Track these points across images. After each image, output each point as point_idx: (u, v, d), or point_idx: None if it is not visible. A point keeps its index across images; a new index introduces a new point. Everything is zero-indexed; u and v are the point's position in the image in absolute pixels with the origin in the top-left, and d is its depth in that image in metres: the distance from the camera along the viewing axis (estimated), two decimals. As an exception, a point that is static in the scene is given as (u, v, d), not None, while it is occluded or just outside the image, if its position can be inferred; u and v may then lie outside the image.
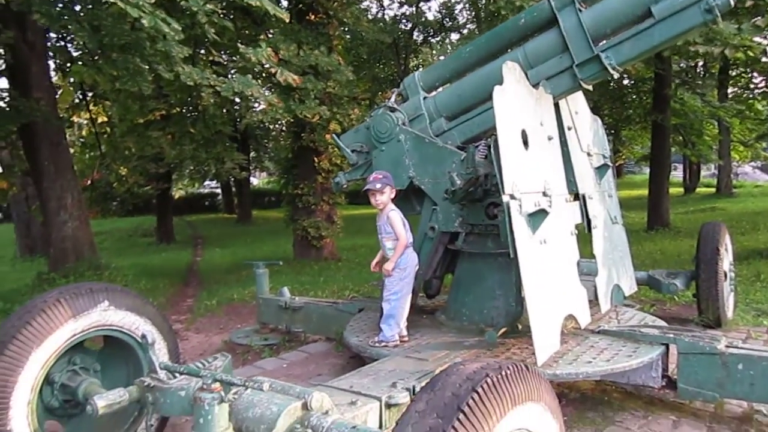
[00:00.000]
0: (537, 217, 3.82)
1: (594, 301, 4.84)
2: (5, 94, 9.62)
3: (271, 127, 24.48)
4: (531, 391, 2.13)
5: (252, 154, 29.95)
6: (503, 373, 2.02)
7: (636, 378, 4.31)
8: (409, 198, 5.20)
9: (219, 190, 37.48)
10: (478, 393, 1.89)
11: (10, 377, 3.07)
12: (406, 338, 4.54)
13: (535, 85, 4.40)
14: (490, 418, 1.89)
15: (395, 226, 4.45)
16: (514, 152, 3.82)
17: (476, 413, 1.86)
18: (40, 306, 3.24)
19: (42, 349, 3.19)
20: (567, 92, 4.73)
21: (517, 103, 3.99)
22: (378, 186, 4.46)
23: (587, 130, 5.41)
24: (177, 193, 17.49)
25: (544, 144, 4.30)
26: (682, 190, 31.77)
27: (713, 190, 30.02)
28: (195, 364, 3.32)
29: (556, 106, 4.73)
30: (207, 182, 32.62)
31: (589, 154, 5.26)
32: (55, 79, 11.72)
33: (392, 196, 4.59)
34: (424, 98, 5.12)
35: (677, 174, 34.56)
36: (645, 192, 17.91)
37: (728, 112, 17.30)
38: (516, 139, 3.87)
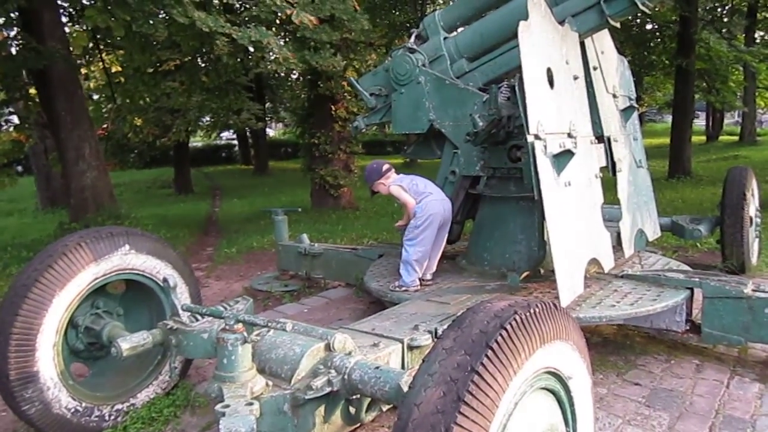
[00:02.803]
0: (562, 158, 3.72)
1: (617, 247, 4.77)
2: (18, 41, 9.51)
3: (287, 77, 24.19)
4: (559, 330, 2.09)
5: (267, 104, 29.70)
6: (531, 310, 1.97)
7: (659, 322, 4.27)
8: (429, 142, 5.12)
9: (236, 142, 37.40)
10: (506, 330, 1.85)
11: (35, 320, 3.09)
12: (430, 283, 4.53)
13: (561, 23, 4.24)
14: (518, 356, 1.86)
15: (400, 198, 4.61)
16: (540, 91, 3.70)
17: (504, 350, 1.82)
18: (61, 250, 3.24)
19: (65, 293, 3.21)
20: (593, 30, 4.55)
21: (543, 40, 3.84)
22: (368, 185, 4.79)
23: (613, 70, 5.24)
24: (175, 137, 17.19)
25: (569, 84, 4.16)
26: (704, 138, 31.19)
27: (736, 138, 29.45)
28: (217, 307, 3.32)
29: (582, 45, 4.56)
30: (223, 133, 32.53)
31: (614, 96, 5.11)
32: (67, 29, 11.59)
33: (387, 179, 4.68)
34: (445, 39, 4.97)
35: (700, 122, 33.89)
36: (666, 140, 17.60)
37: (755, 57, 16.76)
38: (541, 77, 3.75)
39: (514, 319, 1.89)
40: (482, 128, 4.25)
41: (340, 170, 12.74)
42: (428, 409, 1.71)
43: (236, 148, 37.43)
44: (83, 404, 3.30)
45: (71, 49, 10.41)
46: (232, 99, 13.33)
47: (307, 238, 6.42)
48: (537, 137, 3.57)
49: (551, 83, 3.86)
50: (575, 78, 4.27)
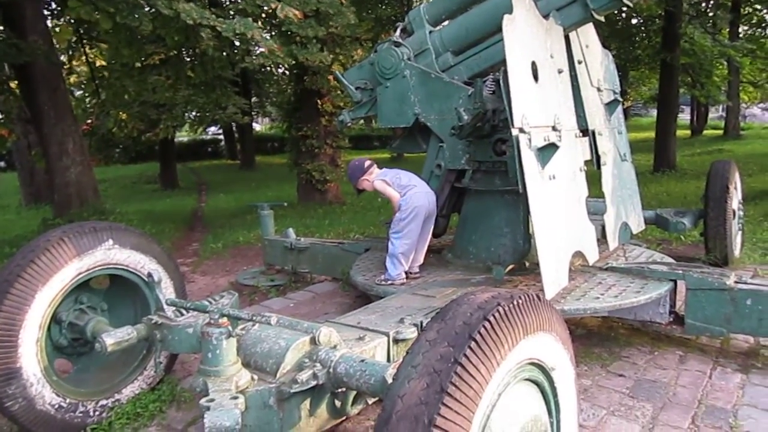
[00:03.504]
0: (546, 151, 3.73)
1: (601, 240, 4.80)
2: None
3: (273, 71, 24.05)
4: (542, 321, 2.10)
5: (254, 99, 29.56)
6: (515, 302, 1.98)
7: (643, 314, 4.31)
8: (414, 136, 5.12)
9: (222, 137, 37.19)
10: (489, 322, 1.85)
11: (17, 315, 3.07)
12: (416, 276, 4.55)
13: (545, 16, 4.25)
14: (501, 347, 1.87)
15: (384, 193, 4.62)
16: (524, 85, 3.71)
17: (488, 342, 1.83)
18: (44, 245, 3.22)
19: (48, 288, 3.18)
20: (578, 24, 4.57)
21: (527, 34, 3.85)
22: (352, 183, 4.80)
23: (598, 64, 5.26)
24: (163, 134, 17.12)
25: (553, 77, 4.18)
26: (689, 132, 31.42)
27: (720, 132, 29.69)
28: (202, 302, 3.30)
29: (567, 38, 4.58)
30: (209, 128, 32.35)
31: (599, 89, 5.13)
32: (50, 23, 11.45)
33: (370, 175, 4.69)
34: (430, 32, 4.96)
35: (684, 116, 34.13)
36: (651, 134, 17.72)
37: (739, 52, 16.92)
38: (526, 71, 3.75)
39: (497, 311, 1.89)
40: (467, 122, 4.26)
41: (326, 165, 12.73)
42: (412, 400, 1.71)
43: (222, 143, 37.23)
44: (67, 400, 3.27)
45: (55, 42, 10.28)
46: (218, 94, 13.23)
47: (293, 233, 6.40)
48: (521, 131, 3.58)
49: (536, 77, 3.87)
50: (560, 72, 4.29)
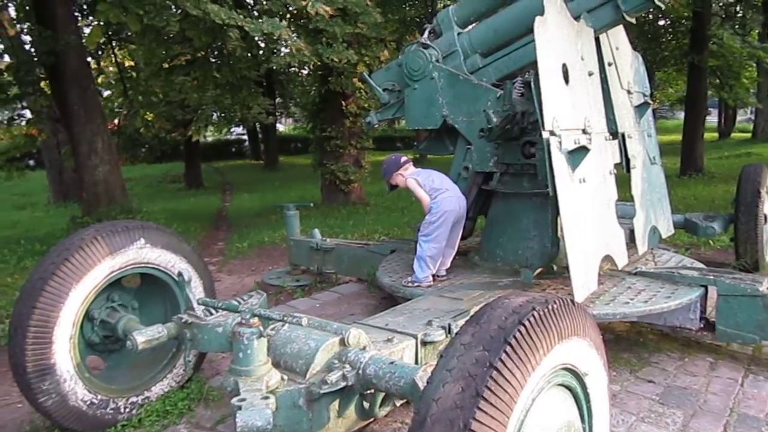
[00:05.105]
0: (577, 154, 3.70)
1: (630, 244, 4.75)
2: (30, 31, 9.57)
3: (297, 72, 24.18)
4: (577, 326, 2.08)
5: (278, 100, 29.73)
6: (549, 307, 1.97)
7: (673, 320, 4.25)
8: (441, 138, 5.12)
9: (246, 137, 37.46)
10: (524, 326, 1.84)
11: (52, 312, 3.11)
12: (444, 279, 4.54)
13: (576, 18, 4.21)
14: (537, 352, 1.85)
15: (415, 193, 4.60)
16: (555, 87, 3.68)
17: (523, 346, 1.81)
18: (78, 243, 3.25)
19: (81, 286, 3.22)
20: (609, 26, 4.53)
21: (558, 36, 3.82)
22: (386, 178, 4.77)
23: (628, 66, 5.21)
24: (195, 136, 17.44)
25: (584, 80, 4.14)
26: (716, 135, 30.93)
27: (749, 135, 29.18)
28: (231, 301, 3.33)
29: (597, 40, 4.54)
30: (234, 128, 32.62)
31: (629, 92, 5.08)
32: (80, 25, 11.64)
33: (405, 170, 4.67)
34: (459, 34, 4.95)
35: (712, 119, 33.61)
36: (677, 137, 17.49)
37: (769, 53, 16.61)
38: (557, 73, 3.73)
39: (533, 315, 1.88)
40: (496, 124, 4.24)
41: (350, 165, 12.76)
42: (447, 404, 1.71)
43: (246, 143, 37.51)
44: (99, 397, 3.32)
45: (84, 44, 10.45)
46: (245, 95, 13.33)
47: (319, 233, 6.42)
48: (552, 133, 3.55)
49: (566, 79, 3.84)
50: (590, 74, 4.25)
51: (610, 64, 4.79)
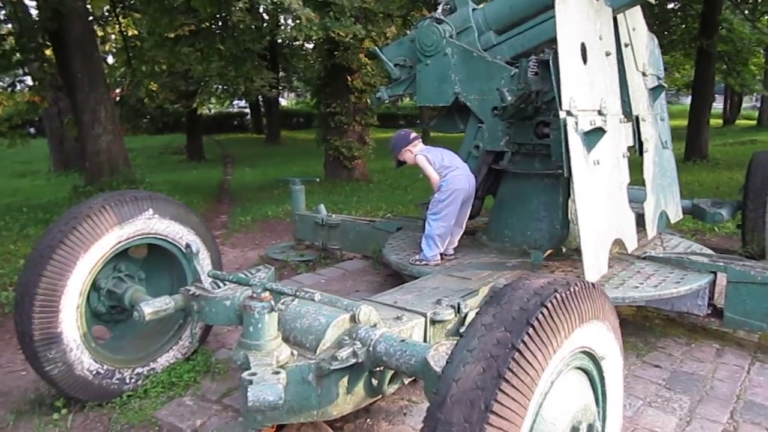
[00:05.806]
0: (593, 136, 3.65)
1: (639, 228, 4.71)
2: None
3: (302, 45, 23.95)
4: (597, 310, 2.06)
5: (281, 73, 29.50)
6: (571, 289, 1.94)
7: (681, 305, 4.23)
8: (452, 115, 5.06)
9: (247, 110, 37.24)
10: (547, 308, 1.81)
11: (59, 281, 3.08)
12: (452, 257, 4.51)
13: (595, -3, 4.13)
14: (558, 334, 1.82)
15: (425, 170, 4.54)
16: (573, 67, 3.62)
17: (545, 328, 1.78)
18: (86, 212, 3.22)
19: (89, 255, 3.19)
20: (627, 5, 4.46)
21: (578, 14, 3.74)
22: (394, 154, 4.68)
23: (644, 48, 5.13)
24: (200, 109, 17.36)
25: (601, 60, 4.07)
26: (721, 121, 30.76)
27: (754, 122, 29.04)
28: (240, 275, 3.29)
29: (614, 20, 4.45)
30: (236, 102, 32.42)
31: (644, 74, 5.00)
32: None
33: (414, 147, 4.60)
34: (473, 10, 4.88)
35: (717, 105, 33.40)
36: (682, 122, 17.36)
37: (778, 40, 16.47)
38: (576, 52, 3.66)
39: (555, 297, 1.85)
40: (511, 103, 4.17)
41: (354, 142, 12.66)
42: (467, 384, 1.68)
43: (248, 117, 37.30)
44: (104, 367, 3.30)
45: (90, 9, 10.30)
46: (249, 67, 13.19)
47: (324, 209, 6.38)
48: (569, 113, 3.50)
49: (584, 59, 3.77)
50: (607, 54, 4.18)
51: (626, 45, 4.71)
